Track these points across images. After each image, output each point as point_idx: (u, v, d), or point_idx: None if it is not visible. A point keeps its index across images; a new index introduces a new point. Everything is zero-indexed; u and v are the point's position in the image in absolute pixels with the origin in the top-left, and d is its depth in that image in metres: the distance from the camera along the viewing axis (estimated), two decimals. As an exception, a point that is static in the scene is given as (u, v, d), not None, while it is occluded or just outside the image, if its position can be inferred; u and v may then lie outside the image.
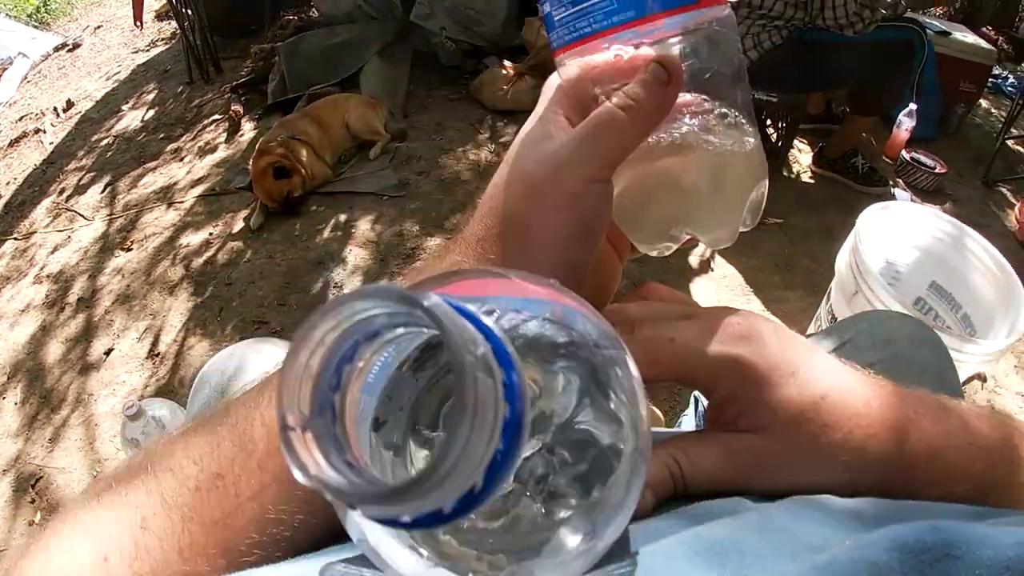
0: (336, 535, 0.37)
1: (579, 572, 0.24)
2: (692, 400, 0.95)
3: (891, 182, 2.86)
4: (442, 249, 0.44)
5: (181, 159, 3.46)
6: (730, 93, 0.40)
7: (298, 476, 0.19)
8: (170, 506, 0.37)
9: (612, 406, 0.25)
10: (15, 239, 3.20)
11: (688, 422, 0.96)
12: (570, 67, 0.41)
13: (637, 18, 0.36)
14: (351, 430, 0.20)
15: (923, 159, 2.89)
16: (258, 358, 0.73)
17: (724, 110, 0.40)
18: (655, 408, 1.72)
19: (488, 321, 0.20)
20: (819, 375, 0.39)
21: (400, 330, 0.21)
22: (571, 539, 0.24)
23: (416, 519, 0.18)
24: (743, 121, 0.41)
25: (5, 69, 5.51)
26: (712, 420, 0.41)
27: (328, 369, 0.21)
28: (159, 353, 2.25)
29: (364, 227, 2.62)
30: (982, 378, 1.99)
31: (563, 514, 0.24)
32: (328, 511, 0.35)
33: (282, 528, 0.36)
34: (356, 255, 2.47)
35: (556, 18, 0.39)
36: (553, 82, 0.44)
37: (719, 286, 2.30)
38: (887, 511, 0.35)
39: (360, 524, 0.23)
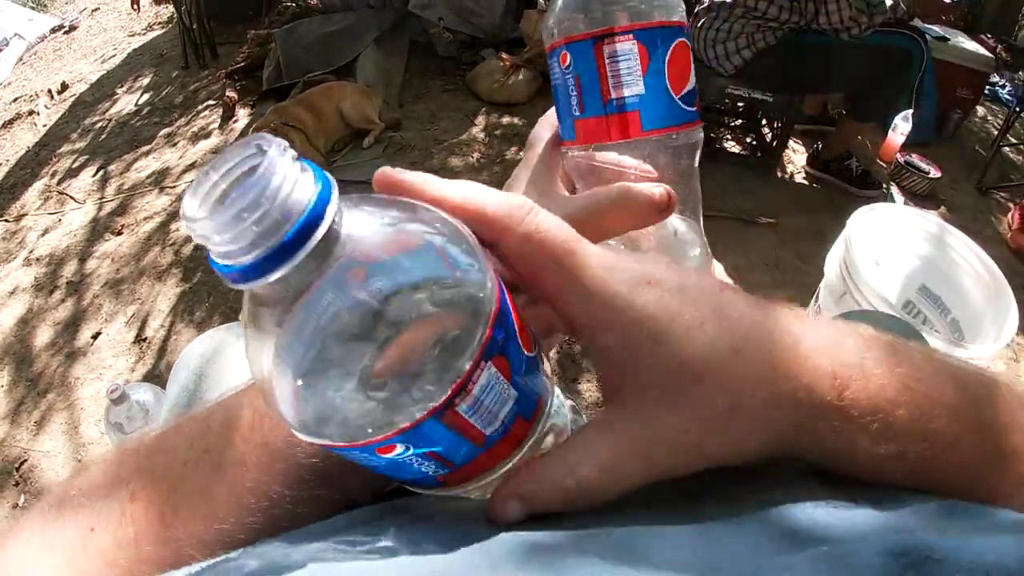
0: (311, 514, 0.37)
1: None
2: None
3: (885, 186, 2.85)
4: None
5: (174, 144, 3.45)
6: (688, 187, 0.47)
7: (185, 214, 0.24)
8: (159, 478, 0.38)
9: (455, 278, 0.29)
10: (6, 221, 3.18)
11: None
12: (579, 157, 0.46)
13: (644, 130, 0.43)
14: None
15: (918, 163, 2.89)
16: (238, 342, 0.72)
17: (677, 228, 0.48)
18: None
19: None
20: (734, 322, 0.32)
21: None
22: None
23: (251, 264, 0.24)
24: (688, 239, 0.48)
25: (0, 50, 5.48)
26: (605, 395, 0.35)
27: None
28: (146, 338, 2.24)
29: (356, 217, 2.60)
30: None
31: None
32: (303, 485, 0.37)
33: (258, 499, 0.37)
34: (347, 245, 2.46)
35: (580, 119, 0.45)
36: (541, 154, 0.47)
37: (709, 284, 2.30)
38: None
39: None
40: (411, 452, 0.29)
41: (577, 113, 0.43)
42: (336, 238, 0.26)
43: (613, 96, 0.42)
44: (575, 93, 0.43)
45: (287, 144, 0.25)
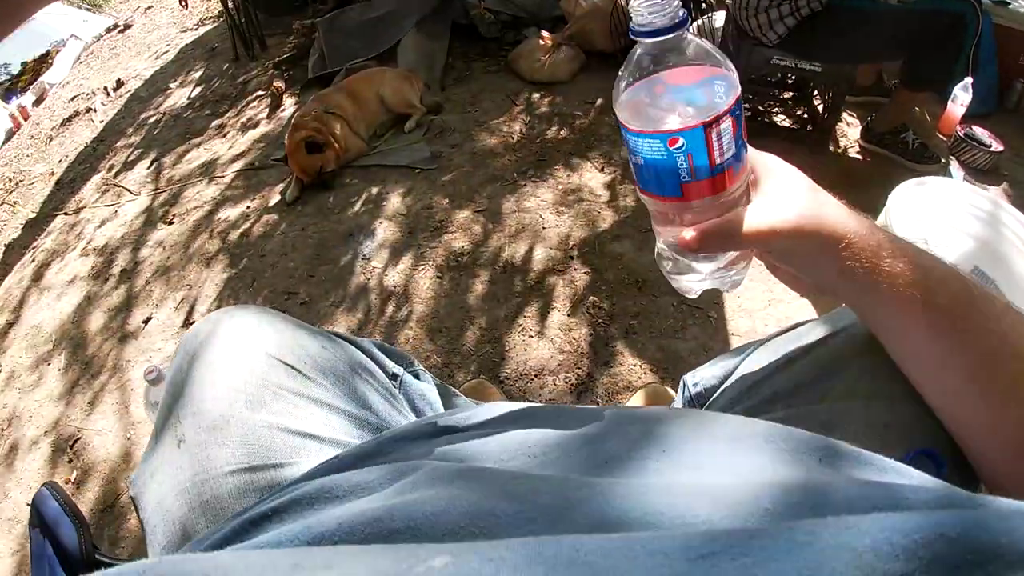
0: None
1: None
2: (680, 384, 0.93)
3: (944, 159, 2.72)
4: None
5: (224, 135, 3.52)
6: None
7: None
8: None
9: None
10: (65, 214, 3.31)
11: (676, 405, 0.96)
12: None
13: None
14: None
15: (979, 136, 2.73)
16: (231, 323, 0.74)
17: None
18: (667, 388, 1.68)
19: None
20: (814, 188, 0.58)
21: None
22: None
23: (656, 29, 0.50)
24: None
25: (58, 51, 5.68)
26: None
27: None
28: (194, 322, 2.29)
29: (395, 200, 2.62)
30: None
31: None
32: None
33: None
34: (385, 227, 2.48)
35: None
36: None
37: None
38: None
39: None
40: (683, 147, 0.52)
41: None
42: (684, 41, 0.52)
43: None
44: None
45: None
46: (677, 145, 0.52)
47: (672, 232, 0.60)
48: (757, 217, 0.55)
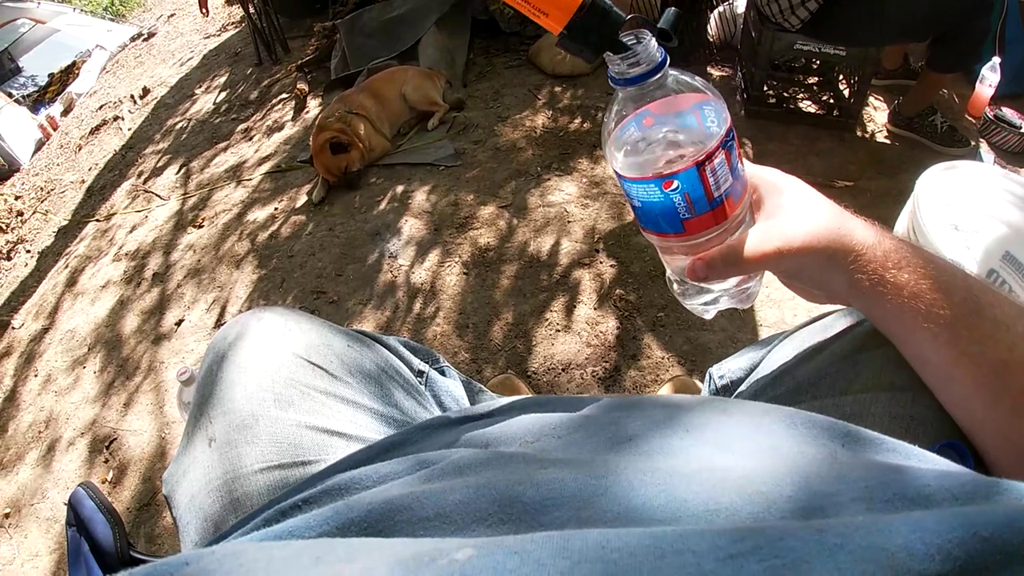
0: None
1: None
2: (707, 376, 0.93)
3: (973, 142, 2.66)
4: None
5: (250, 138, 3.56)
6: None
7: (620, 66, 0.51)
8: None
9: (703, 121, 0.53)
10: (97, 221, 3.37)
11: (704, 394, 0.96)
12: None
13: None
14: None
15: (1010, 117, 2.66)
16: (259, 325, 0.75)
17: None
18: (695, 380, 1.67)
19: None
20: (823, 202, 0.58)
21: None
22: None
23: (634, 77, 0.51)
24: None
25: (84, 62, 5.78)
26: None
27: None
28: (225, 323, 2.32)
29: (420, 197, 2.63)
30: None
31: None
32: None
33: None
34: (411, 225, 2.49)
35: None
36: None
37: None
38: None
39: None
40: (679, 188, 0.52)
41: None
42: (664, 79, 0.52)
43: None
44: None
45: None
46: (672, 187, 0.53)
47: (678, 262, 0.61)
48: (762, 240, 0.55)
